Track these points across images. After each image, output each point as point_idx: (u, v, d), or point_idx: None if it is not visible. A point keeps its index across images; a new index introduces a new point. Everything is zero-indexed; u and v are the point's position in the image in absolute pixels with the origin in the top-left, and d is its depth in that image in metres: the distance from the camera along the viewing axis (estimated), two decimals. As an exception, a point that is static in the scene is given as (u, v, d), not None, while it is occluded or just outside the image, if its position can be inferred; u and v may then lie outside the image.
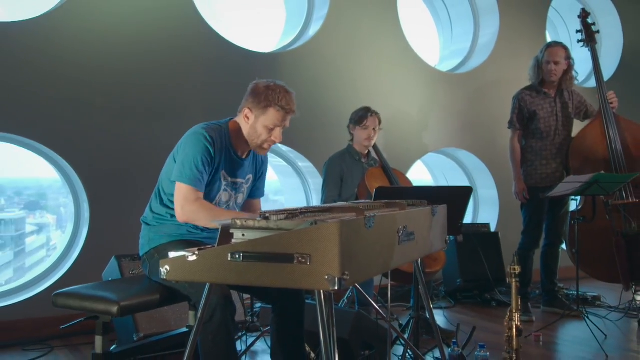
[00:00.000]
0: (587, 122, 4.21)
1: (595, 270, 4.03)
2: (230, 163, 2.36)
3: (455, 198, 2.91)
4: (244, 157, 2.43)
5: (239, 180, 2.42)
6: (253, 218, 1.64)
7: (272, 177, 5.32)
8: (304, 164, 4.68)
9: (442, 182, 5.94)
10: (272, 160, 4.94)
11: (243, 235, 1.64)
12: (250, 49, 4.37)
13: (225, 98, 4.10)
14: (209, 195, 2.31)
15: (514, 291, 1.87)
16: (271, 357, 2.28)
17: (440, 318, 4.14)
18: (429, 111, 5.20)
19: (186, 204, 2.18)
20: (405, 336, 3.04)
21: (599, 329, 3.63)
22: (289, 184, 5.02)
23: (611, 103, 4.09)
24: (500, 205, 5.49)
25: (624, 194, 3.93)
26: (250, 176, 2.50)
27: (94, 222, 3.74)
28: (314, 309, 2.72)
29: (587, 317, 3.60)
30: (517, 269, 1.87)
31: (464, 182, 5.75)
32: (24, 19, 3.62)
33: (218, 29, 4.24)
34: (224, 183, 2.35)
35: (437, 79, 5.28)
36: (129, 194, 3.77)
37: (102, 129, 3.78)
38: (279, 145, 4.56)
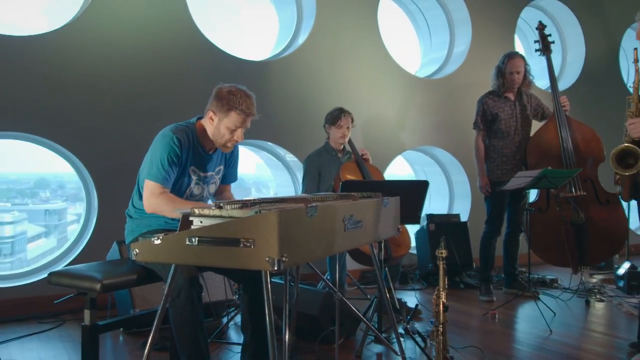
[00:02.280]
0: (544, 122, 4.23)
1: (548, 255, 4.05)
2: (199, 159, 2.38)
3: (413, 191, 2.95)
4: (211, 152, 2.43)
5: (209, 173, 2.44)
6: (209, 207, 1.69)
7: (267, 171, 5.38)
8: (293, 159, 4.72)
9: (422, 177, 5.95)
10: (265, 157, 4.99)
11: (201, 222, 1.69)
12: (243, 58, 4.41)
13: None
14: (180, 189, 2.34)
15: (441, 272, 1.91)
16: (242, 329, 2.33)
17: (412, 299, 4.18)
18: (406, 113, 5.22)
19: (151, 197, 2.22)
20: (370, 314, 3.09)
21: (548, 307, 3.66)
22: (281, 178, 5.06)
23: (564, 106, 4.10)
24: (472, 198, 5.51)
25: (573, 188, 3.95)
26: (221, 167, 2.51)
27: (102, 212, 3.82)
28: (280, 286, 2.77)
29: (539, 297, 3.63)
30: (444, 253, 1.91)
31: (440, 176, 5.77)
32: (42, 32, 3.69)
33: (214, 40, 4.28)
34: (194, 178, 2.37)
35: (414, 84, 5.30)
36: (131, 186, 3.81)
37: (108, 129, 3.85)
38: (269, 143, 4.61)
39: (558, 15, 6.37)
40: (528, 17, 6.25)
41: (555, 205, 3.91)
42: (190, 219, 1.70)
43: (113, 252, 3.21)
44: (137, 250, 1.71)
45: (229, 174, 2.59)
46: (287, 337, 1.83)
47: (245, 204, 1.74)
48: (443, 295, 1.91)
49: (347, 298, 3.65)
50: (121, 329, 3.18)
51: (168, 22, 4.09)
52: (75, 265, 2.29)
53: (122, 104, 3.90)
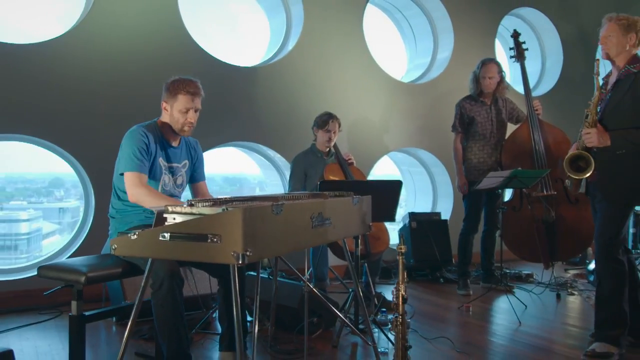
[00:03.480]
0: (518, 125, 4.26)
1: (521, 251, 4.08)
2: (165, 151, 2.48)
3: (388, 191, 2.99)
4: (176, 145, 2.54)
5: (175, 164, 2.53)
6: (182, 205, 1.73)
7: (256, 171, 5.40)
8: (281, 160, 4.75)
9: (407, 177, 5.99)
10: (257, 157, 5.02)
11: (174, 218, 1.73)
12: (233, 64, 4.44)
13: (212, 106, 4.18)
14: (154, 179, 2.43)
15: (400, 267, 1.94)
16: (218, 321, 2.37)
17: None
18: (390, 116, 5.25)
19: (133, 187, 2.30)
20: (347, 306, 3.12)
21: (520, 301, 3.70)
22: (271, 177, 5.09)
23: (536, 110, 4.14)
24: (454, 197, 5.53)
25: (544, 188, 3.98)
26: (187, 161, 2.59)
27: (98, 209, 3.85)
28: (263, 281, 2.80)
29: (513, 291, 3.66)
30: (403, 248, 1.94)
31: (424, 176, 5.80)
32: (43, 40, 3.72)
33: (213, 48, 4.32)
34: (163, 169, 2.46)
35: (398, 88, 5.32)
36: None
37: (105, 132, 3.87)
38: (259, 145, 4.64)
39: (537, 23, 6.40)
40: (509, 25, 6.27)
41: (528, 204, 3.94)
42: (165, 215, 1.75)
43: (106, 248, 3.23)
44: (115, 245, 1.75)
45: (197, 172, 2.67)
46: (256, 328, 1.86)
47: (216, 202, 1.78)
48: (402, 288, 1.94)
49: (329, 292, 3.71)
50: (114, 321, 3.23)
51: (162, 31, 4.12)
52: (64, 260, 2.32)
53: (118, 108, 3.93)
